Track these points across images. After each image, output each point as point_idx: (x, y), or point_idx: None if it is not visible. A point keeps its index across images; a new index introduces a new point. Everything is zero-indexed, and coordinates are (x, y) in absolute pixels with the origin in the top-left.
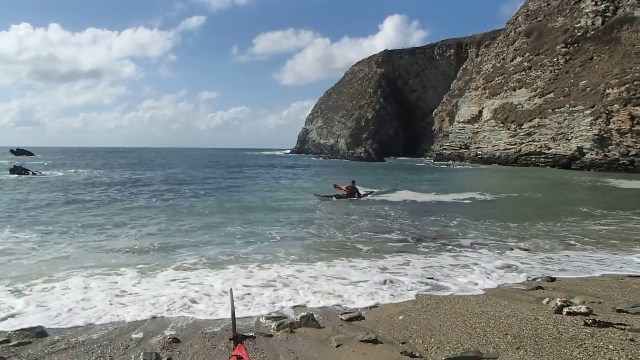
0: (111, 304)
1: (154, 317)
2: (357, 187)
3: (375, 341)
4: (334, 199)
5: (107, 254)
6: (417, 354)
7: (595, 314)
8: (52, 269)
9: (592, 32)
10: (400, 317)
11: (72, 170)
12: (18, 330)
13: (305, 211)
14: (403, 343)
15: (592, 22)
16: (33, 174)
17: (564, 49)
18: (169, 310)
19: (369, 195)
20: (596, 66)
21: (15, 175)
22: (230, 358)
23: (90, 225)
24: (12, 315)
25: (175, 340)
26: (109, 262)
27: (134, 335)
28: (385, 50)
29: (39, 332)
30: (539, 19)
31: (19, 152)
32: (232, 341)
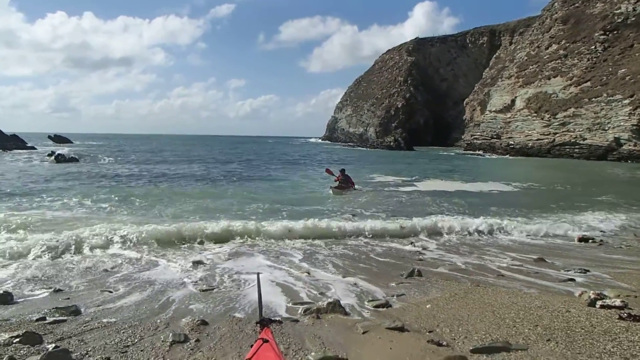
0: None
1: (182, 299)
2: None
3: (401, 329)
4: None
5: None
6: (444, 343)
7: (630, 308)
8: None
9: (633, 19)
10: (427, 306)
11: (111, 159)
12: (54, 308)
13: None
14: (430, 332)
15: (633, 7)
16: (71, 159)
17: (602, 36)
18: (199, 291)
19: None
20: (637, 54)
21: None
22: (256, 341)
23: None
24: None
25: (204, 322)
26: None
27: (163, 317)
28: (416, 38)
29: (74, 311)
30: (577, 5)
31: (57, 138)
32: (258, 325)
